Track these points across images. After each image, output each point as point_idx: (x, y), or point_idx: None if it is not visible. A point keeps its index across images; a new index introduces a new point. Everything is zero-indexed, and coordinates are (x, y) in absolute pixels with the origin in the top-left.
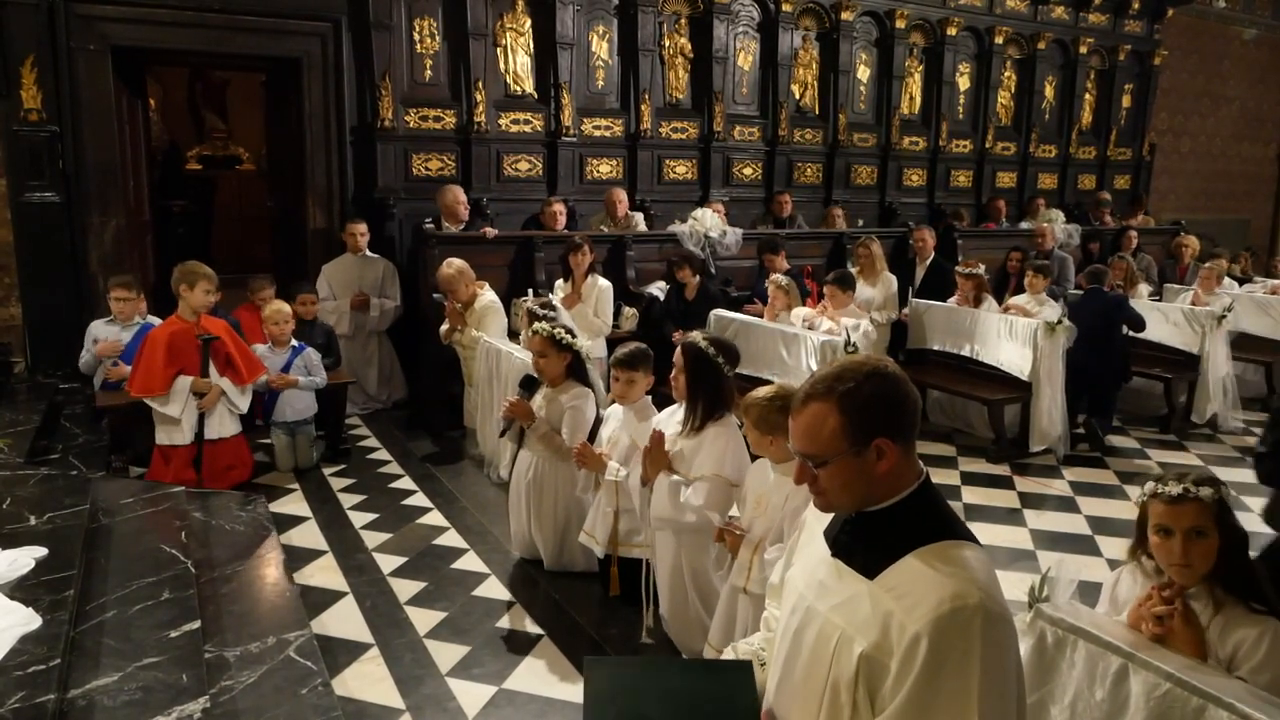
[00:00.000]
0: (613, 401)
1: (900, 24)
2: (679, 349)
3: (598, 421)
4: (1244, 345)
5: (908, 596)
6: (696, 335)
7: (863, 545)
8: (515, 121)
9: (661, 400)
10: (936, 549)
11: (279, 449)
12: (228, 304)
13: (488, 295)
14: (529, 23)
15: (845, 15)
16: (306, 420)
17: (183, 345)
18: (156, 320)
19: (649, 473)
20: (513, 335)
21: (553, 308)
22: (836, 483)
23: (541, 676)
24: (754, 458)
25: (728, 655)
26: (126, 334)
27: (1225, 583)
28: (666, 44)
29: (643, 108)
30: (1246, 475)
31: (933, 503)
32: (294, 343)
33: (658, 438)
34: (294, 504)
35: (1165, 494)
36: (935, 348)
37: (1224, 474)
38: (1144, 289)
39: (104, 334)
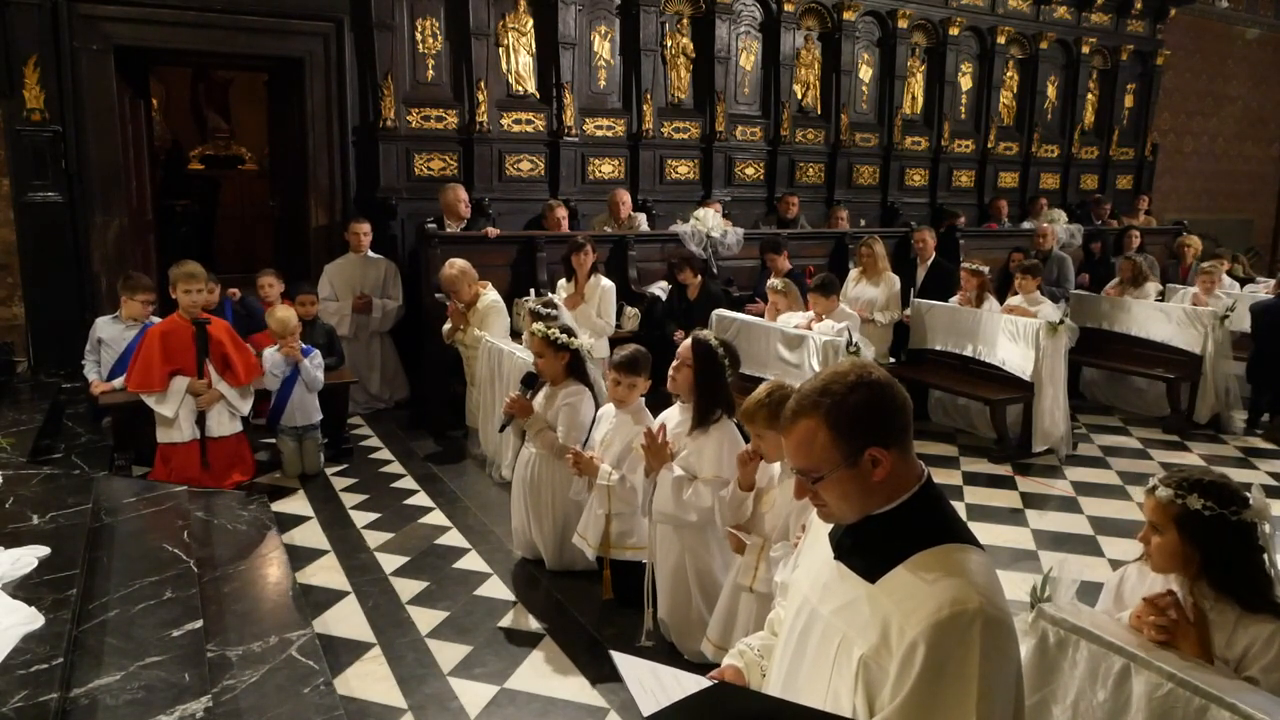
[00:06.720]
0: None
1: (902, 24)
2: (689, 342)
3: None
4: (1246, 345)
5: (907, 601)
6: (708, 333)
7: (864, 548)
8: (517, 121)
9: (662, 400)
10: (937, 552)
11: (287, 455)
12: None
13: (490, 295)
14: (531, 22)
15: (847, 15)
16: (313, 425)
17: (178, 341)
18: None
19: (652, 465)
20: (515, 335)
21: (554, 306)
22: (835, 495)
23: (543, 676)
24: None
25: (730, 657)
26: (130, 334)
27: (1216, 583)
28: (668, 44)
29: (645, 107)
30: (1248, 476)
31: (934, 505)
32: (302, 346)
33: (651, 433)
34: (296, 504)
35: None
36: (937, 348)
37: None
38: (1152, 288)
39: (109, 334)
